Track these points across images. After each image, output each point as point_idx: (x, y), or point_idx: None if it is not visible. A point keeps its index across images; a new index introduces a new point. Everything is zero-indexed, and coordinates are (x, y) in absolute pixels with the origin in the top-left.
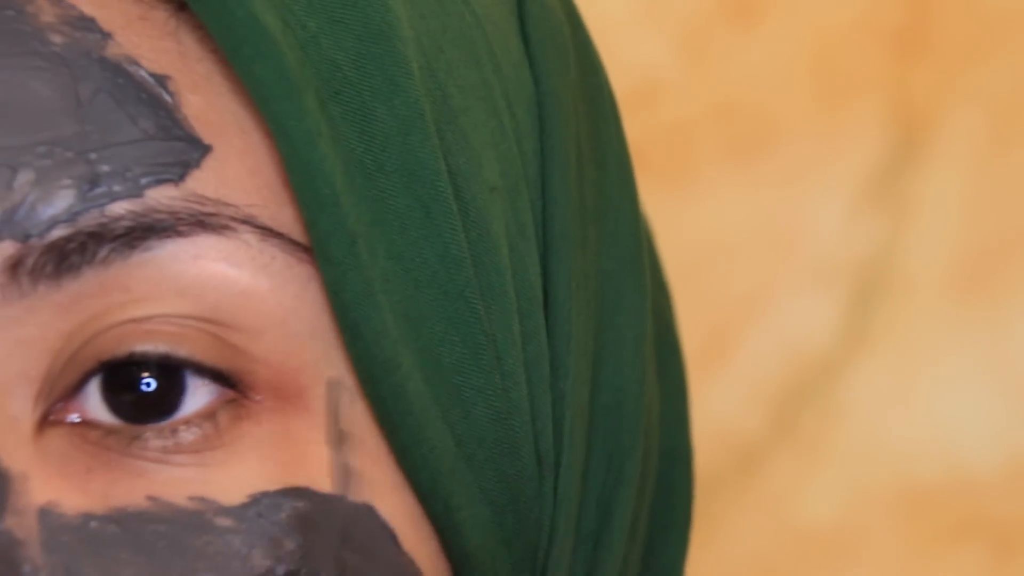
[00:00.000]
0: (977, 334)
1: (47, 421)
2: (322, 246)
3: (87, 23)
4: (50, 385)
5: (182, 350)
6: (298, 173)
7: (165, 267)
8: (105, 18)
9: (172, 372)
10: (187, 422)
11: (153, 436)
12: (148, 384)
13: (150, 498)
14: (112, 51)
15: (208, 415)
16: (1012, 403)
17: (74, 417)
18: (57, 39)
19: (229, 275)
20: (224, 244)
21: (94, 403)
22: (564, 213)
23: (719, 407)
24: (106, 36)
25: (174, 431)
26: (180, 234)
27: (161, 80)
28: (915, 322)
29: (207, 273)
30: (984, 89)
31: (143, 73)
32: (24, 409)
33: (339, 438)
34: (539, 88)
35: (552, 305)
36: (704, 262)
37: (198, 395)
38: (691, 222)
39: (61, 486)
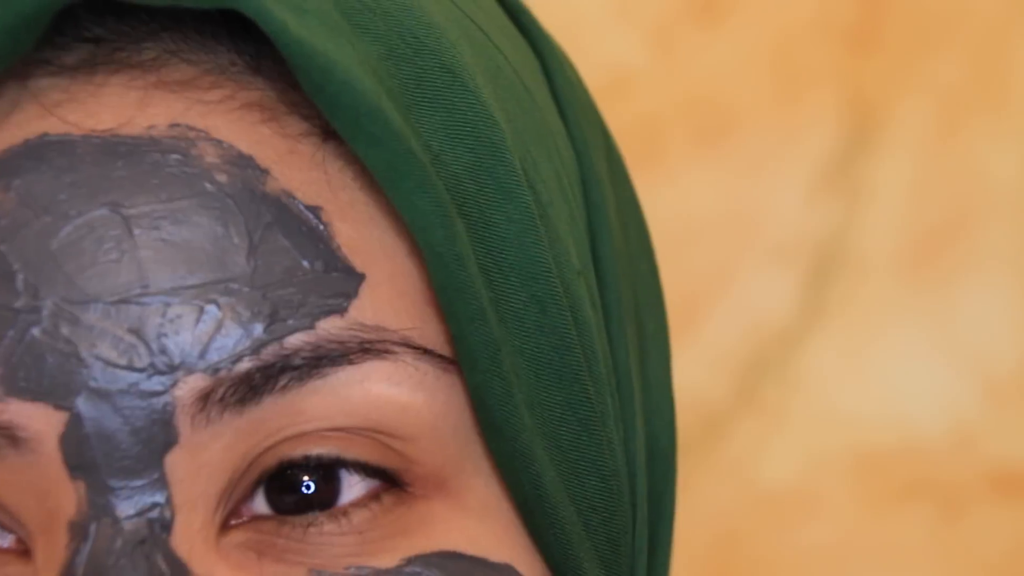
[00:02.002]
0: (925, 309)
1: (226, 526)
2: (469, 357)
3: (246, 161)
4: (227, 498)
5: (350, 453)
6: (450, 294)
7: (336, 392)
8: (261, 155)
9: (330, 474)
10: (357, 504)
11: (326, 520)
12: (308, 487)
13: (314, 571)
14: (271, 186)
15: (375, 497)
16: (958, 373)
17: (244, 519)
18: (223, 178)
19: (391, 394)
20: (387, 367)
21: (259, 505)
22: (616, 283)
23: (685, 377)
24: (264, 172)
25: (345, 513)
26: (351, 362)
27: (315, 211)
28: (868, 298)
29: (373, 395)
30: (932, 81)
31: (300, 206)
32: (207, 522)
33: (479, 516)
34: (581, 166)
35: (618, 369)
36: (671, 243)
37: (352, 492)
38: (659, 205)
39: None
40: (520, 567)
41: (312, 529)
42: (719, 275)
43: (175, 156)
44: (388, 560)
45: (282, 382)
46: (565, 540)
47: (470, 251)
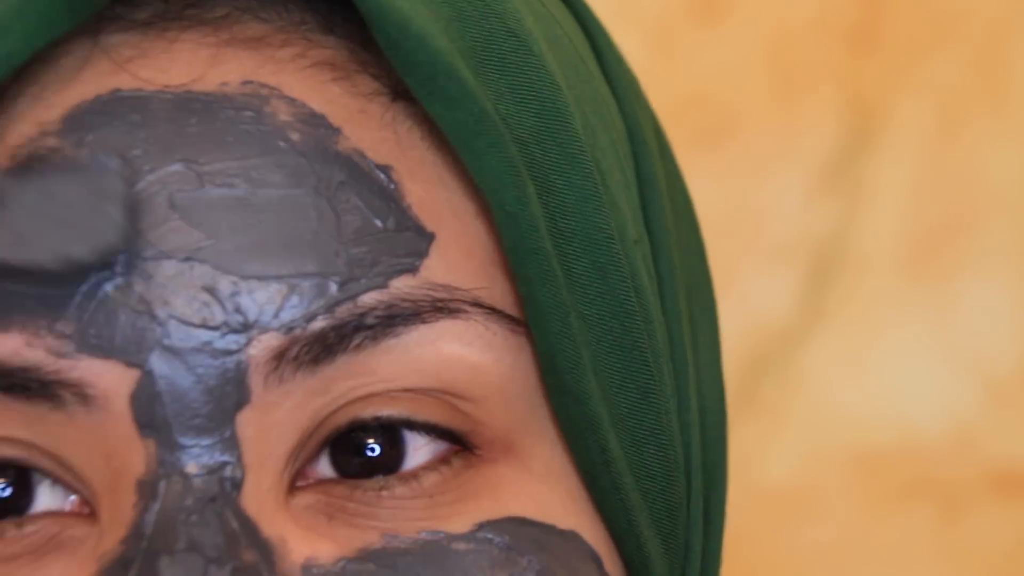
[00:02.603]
0: (925, 309)
1: (293, 487)
2: (540, 319)
3: (319, 119)
4: (295, 458)
5: (419, 415)
6: (522, 255)
7: (409, 351)
8: (333, 114)
9: (394, 437)
10: (427, 468)
11: (397, 483)
12: (372, 450)
13: (388, 535)
14: (343, 145)
15: (444, 460)
16: (957, 373)
17: (310, 481)
18: (295, 136)
19: (462, 354)
20: (458, 326)
21: (323, 468)
22: (668, 255)
23: None
24: (336, 131)
25: (415, 476)
26: (423, 321)
27: (386, 170)
28: (868, 298)
29: (445, 354)
30: (932, 81)
31: (371, 164)
32: (276, 482)
33: (546, 481)
34: (632, 138)
35: (672, 340)
36: None
37: (418, 455)
38: None
39: (314, 540)
40: (585, 534)
41: (384, 493)
42: (719, 275)
43: (248, 113)
44: (460, 525)
45: (356, 341)
46: (628, 507)
47: (540, 213)
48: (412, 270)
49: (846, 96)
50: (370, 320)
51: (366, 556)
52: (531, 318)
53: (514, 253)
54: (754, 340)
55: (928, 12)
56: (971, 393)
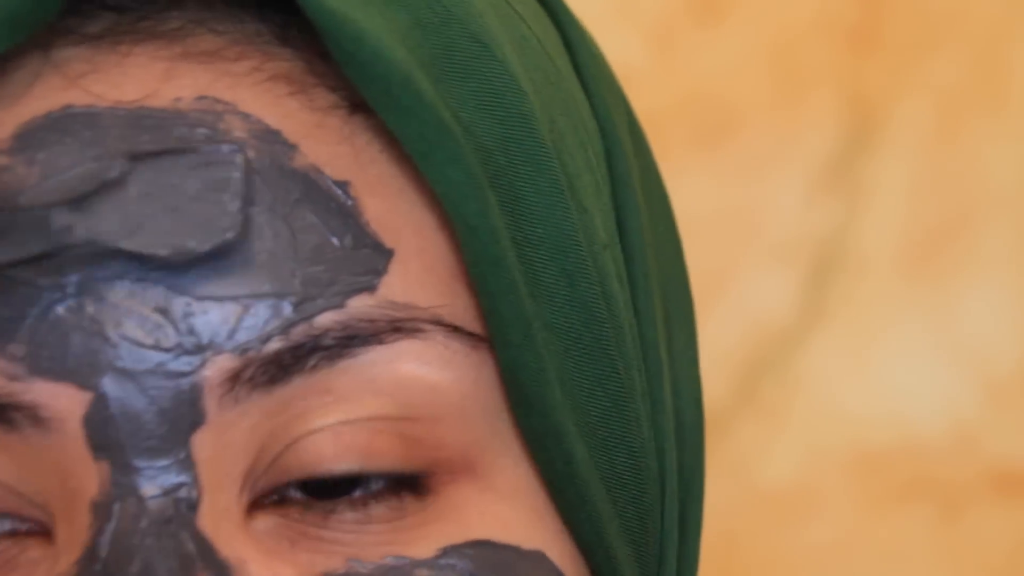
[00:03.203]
0: (925, 309)
1: (250, 509)
2: (501, 332)
3: (274, 135)
4: (254, 479)
5: (372, 465)
6: (483, 268)
7: (365, 371)
8: (288, 129)
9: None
10: (376, 498)
11: (347, 509)
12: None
13: (352, 559)
14: (299, 161)
15: (395, 492)
16: (957, 372)
17: (267, 502)
18: (251, 154)
19: (420, 374)
20: (417, 346)
21: (289, 489)
22: (642, 257)
23: None
24: (292, 147)
25: (365, 504)
26: (381, 342)
27: (343, 186)
28: (867, 298)
29: (402, 374)
30: (932, 82)
31: (328, 181)
32: (232, 501)
33: (509, 499)
34: (605, 137)
35: (645, 343)
36: None
37: (376, 484)
38: None
39: (275, 564)
40: (551, 553)
41: (348, 515)
42: (719, 275)
43: (202, 130)
44: (424, 549)
45: (311, 362)
46: (596, 518)
47: (503, 224)
48: (370, 288)
49: (846, 96)
50: (327, 341)
51: None
52: (492, 331)
53: (475, 266)
54: (754, 340)
55: (928, 12)
56: (971, 393)
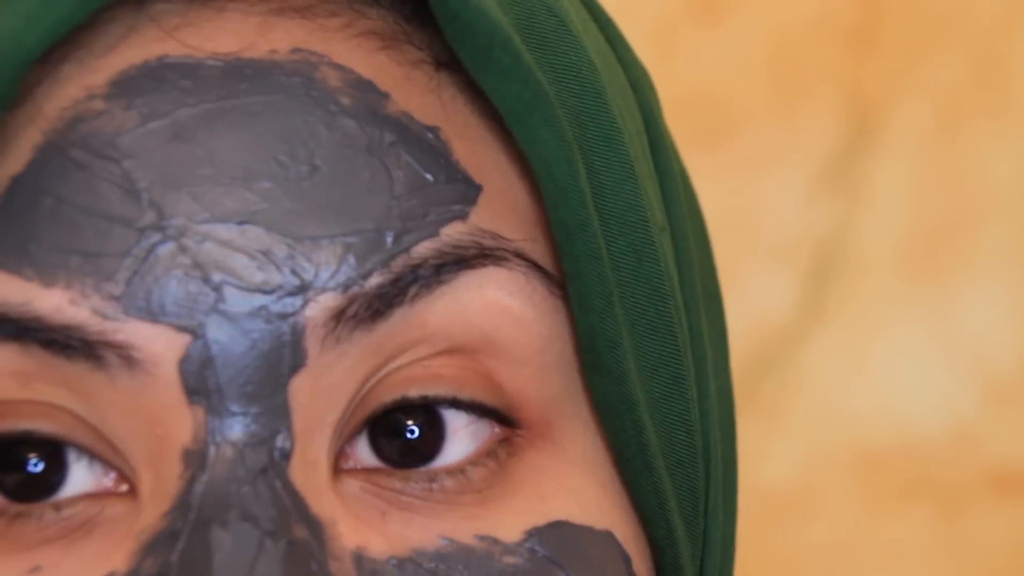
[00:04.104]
0: (925, 308)
1: (336, 468)
2: (584, 296)
3: (367, 85)
4: (341, 429)
5: (465, 392)
6: (571, 230)
7: (457, 298)
8: (380, 80)
9: (433, 419)
10: (473, 462)
11: (446, 476)
12: (412, 431)
13: (444, 538)
14: (392, 108)
15: (490, 453)
16: (956, 372)
17: (352, 464)
18: (346, 101)
19: (506, 304)
20: (503, 275)
21: (362, 449)
22: (686, 245)
23: None
24: (384, 96)
25: (463, 470)
26: (471, 267)
27: (434, 131)
28: (867, 298)
29: (490, 300)
30: (931, 82)
31: (420, 125)
32: (321, 453)
33: (583, 469)
34: (649, 128)
35: (692, 331)
36: None
37: (457, 439)
38: None
39: (364, 531)
40: (619, 532)
41: (434, 486)
42: (719, 275)
43: (298, 79)
44: (510, 531)
45: (411, 292)
46: (660, 490)
47: (589, 191)
48: (462, 216)
49: (846, 96)
50: (423, 271)
51: (417, 559)
52: (574, 294)
53: (562, 228)
54: (754, 340)
55: (928, 12)
56: (971, 393)
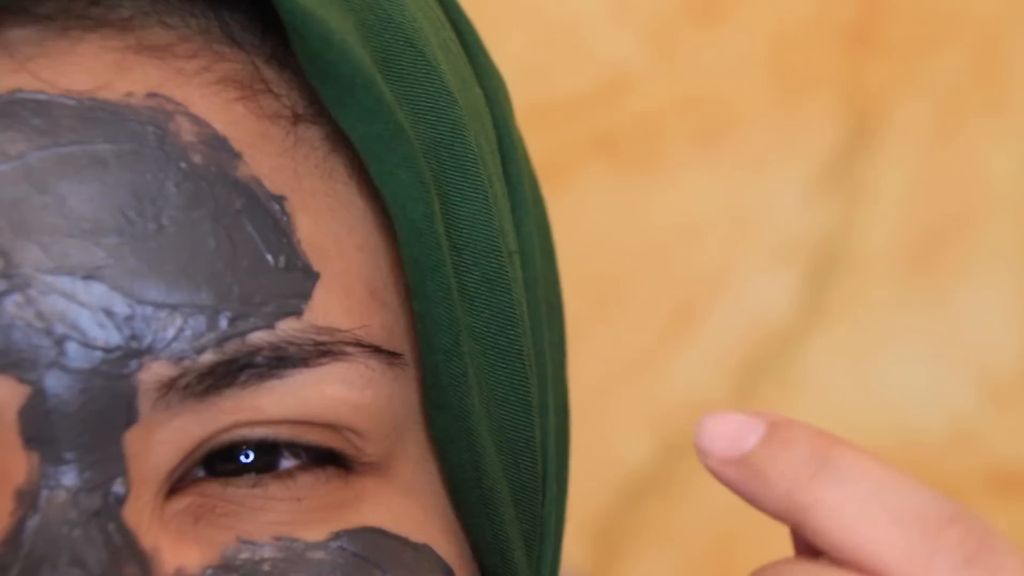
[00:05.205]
0: (924, 308)
1: (169, 493)
2: (432, 336)
3: (221, 143)
4: (178, 469)
5: (304, 438)
6: (423, 272)
7: (294, 392)
8: (235, 137)
9: (271, 449)
10: (302, 468)
11: (271, 480)
12: (247, 455)
13: (242, 539)
14: (242, 172)
15: (319, 464)
16: (955, 372)
17: (184, 483)
18: (198, 159)
19: (345, 395)
20: (341, 368)
21: (197, 472)
22: (534, 262)
23: (685, 377)
24: (237, 156)
25: (290, 474)
26: (308, 365)
27: (280, 201)
28: (867, 298)
29: (328, 395)
30: (931, 82)
31: (267, 194)
32: (156, 496)
33: (407, 495)
34: (501, 141)
35: (536, 349)
36: (671, 242)
37: (289, 464)
38: (659, 205)
39: (183, 547)
40: (439, 548)
41: (256, 490)
42: (718, 275)
43: (152, 129)
44: (316, 534)
45: (242, 378)
46: (498, 519)
47: (443, 230)
48: (297, 312)
49: (846, 96)
50: (258, 360)
51: (229, 565)
52: (423, 333)
53: (415, 268)
54: (753, 340)
55: (928, 12)
56: (971, 393)
